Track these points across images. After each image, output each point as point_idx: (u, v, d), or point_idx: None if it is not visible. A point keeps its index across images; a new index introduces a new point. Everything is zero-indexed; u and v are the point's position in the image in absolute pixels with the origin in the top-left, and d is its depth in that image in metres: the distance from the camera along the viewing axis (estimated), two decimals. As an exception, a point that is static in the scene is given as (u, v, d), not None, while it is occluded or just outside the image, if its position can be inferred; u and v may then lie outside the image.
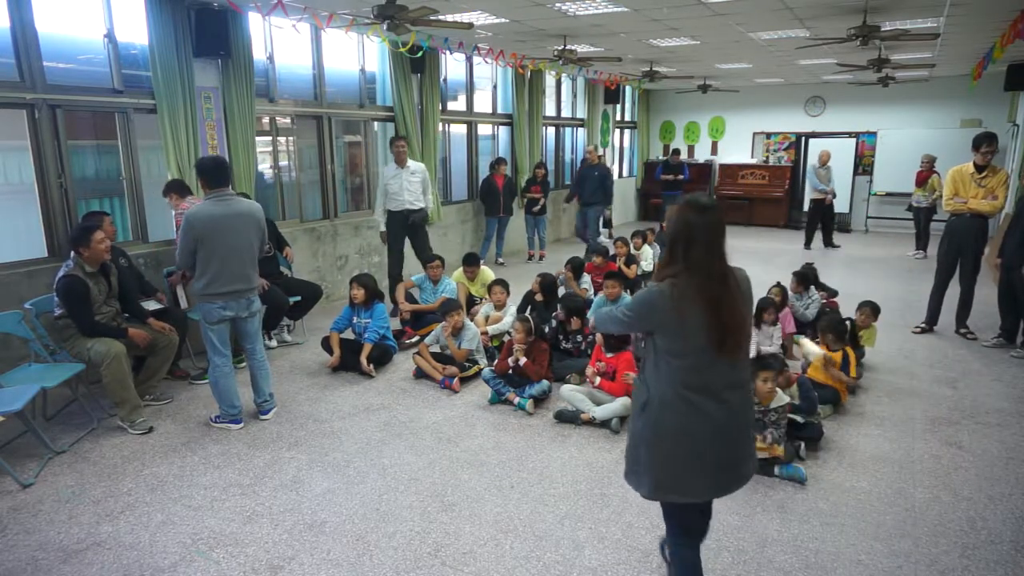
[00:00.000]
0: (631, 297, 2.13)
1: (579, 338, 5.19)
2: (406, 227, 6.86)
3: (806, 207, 11.49)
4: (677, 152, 12.85)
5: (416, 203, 6.81)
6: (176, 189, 5.17)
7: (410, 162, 6.79)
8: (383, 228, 6.86)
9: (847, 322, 4.99)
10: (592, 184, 9.75)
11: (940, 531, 3.16)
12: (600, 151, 9.93)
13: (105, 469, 3.75)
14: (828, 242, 11.15)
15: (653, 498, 2.26)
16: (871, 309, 5.39)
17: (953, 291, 6.14)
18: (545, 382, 4.68)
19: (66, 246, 5.07)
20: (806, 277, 5.94)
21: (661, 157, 15.19)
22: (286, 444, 4.07)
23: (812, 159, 11.66)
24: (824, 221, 11.07)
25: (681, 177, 12.36)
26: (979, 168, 5.72)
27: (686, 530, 2.36)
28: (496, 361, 4.87)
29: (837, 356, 4.58)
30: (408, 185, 6.73)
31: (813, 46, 7.05)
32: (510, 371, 4.66)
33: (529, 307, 5.93)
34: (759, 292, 6.06)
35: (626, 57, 9.44)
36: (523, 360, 4.59)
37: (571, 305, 5.20)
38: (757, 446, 3.60)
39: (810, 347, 4.76)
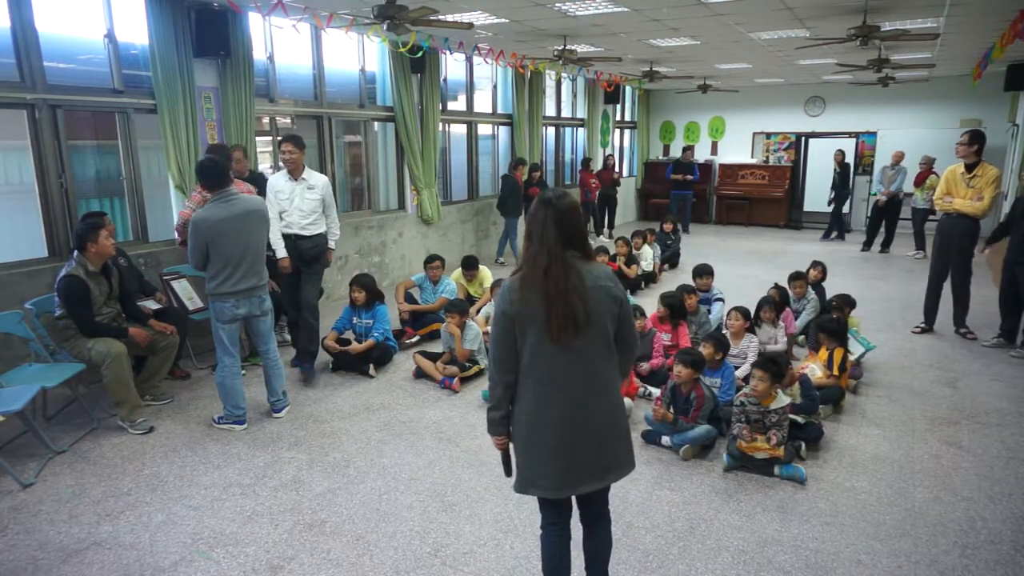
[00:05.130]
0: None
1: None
2: (296, 259, 5.03)
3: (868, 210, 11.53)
4: (689, 150, 12.90)
5: (309, 228, 5.01)
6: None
7: (308, 172, 5.04)
8: (283, 253, 4.98)
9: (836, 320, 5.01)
10: None
11: (940, 531, 3.16)
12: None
13: (105, 469, 3.75)
14: (883, 246, 10.75)
15: (520, 492, 2.29)
16: (842, 300, 5.45)
17: (949, 291, 6.14)
18: None
19: (66, 246, 5.08)
20: (801, 275, 5.99)
21: (662, 157, 15.24)
22: (286, 444, 4.07)
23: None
24: (887, 224, 10.60)
25: (691, 177, 12.48)
26: (968, 168, 5.74)
27: (553, 519, 2.36)
28: None
29: (837, 355, 4.59)
30: (301, 203, 4.96)
31: (813, 46, 7.05)
32: None
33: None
34: (759, 292, 6.11)
35: (626, 57, 9.44)
36: None
37: None
38: (761, 446, 3.61)
39: (815, 371, 4.65)
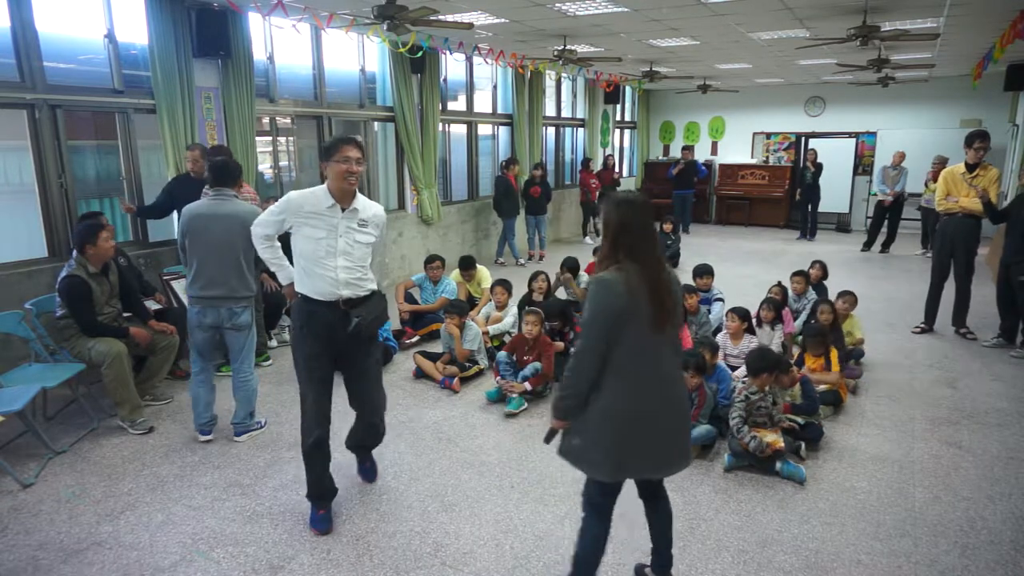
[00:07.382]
0: (586, 308, 2.30)
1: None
2: (341, 334, 3.07)
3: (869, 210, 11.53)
4: (689, 150, 12.97)
5: (362, 284, 3.10)
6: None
7: (361, 199, 3.10)
8: (289, 275, 3.23)
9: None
10: None
11: (940, 531, 3.16)
12: None
13: (105, 469, 3.75)
14: (883, 246, 10.73)
15: (615, 479, 2.41)
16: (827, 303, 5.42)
17: (950, 291, 6.15)
18: (539, 364, 4.74)
19: (66, 246, 5.08)
20: (807, 276, 6.00)
21: (662, 157, 15.25)
22: (286, 444, 4.07)
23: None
24: (890, 224, 10.58)
25: (697, 177, 12.64)
26: (970, 167, 5.76)
27: (606, 507, 2.50)
28: (510, 340, 5.03)
29: (820, 362, 4.61)
30: (349, 246, 3.03)
31: (813, 46, 7.05)
32: (525, 358, 4.79)
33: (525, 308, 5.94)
34: (759, 292, 6.10)
35: (626, 57, 9.44)
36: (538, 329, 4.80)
37: (551, 310, 5.27)
38: (767, 439, 3.63)
39: (825, 379, 4.64)
